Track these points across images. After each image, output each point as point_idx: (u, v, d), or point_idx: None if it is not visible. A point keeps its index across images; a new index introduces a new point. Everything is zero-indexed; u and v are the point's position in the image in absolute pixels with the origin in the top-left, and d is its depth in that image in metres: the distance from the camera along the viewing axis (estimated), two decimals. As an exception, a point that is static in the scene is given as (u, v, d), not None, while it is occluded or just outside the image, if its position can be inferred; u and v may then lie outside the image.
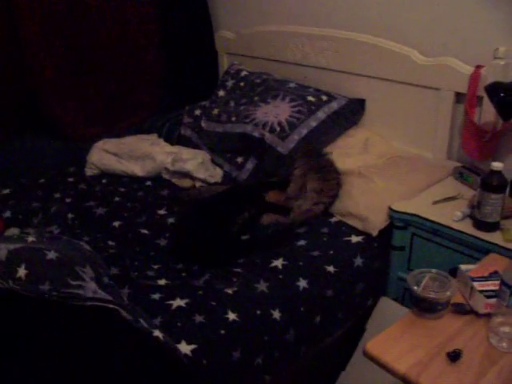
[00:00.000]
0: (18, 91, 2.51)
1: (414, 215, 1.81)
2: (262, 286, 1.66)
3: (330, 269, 1.77)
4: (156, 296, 1.62)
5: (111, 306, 1.38)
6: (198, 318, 1.51)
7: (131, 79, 2.86)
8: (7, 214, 2.13)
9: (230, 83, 2.69)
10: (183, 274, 1.76)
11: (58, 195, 2.32)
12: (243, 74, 2.69)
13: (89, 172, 2.52)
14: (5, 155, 2.52)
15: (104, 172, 2.52)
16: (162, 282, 1.70)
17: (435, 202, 1.87)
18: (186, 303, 1.57)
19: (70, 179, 2.49)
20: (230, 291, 1.63)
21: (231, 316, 1.54)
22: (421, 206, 1.86)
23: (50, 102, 2.62)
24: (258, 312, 1.58)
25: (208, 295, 1.61)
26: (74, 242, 1.63)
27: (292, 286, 1.68)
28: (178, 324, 1.49)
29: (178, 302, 1.58)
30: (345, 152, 2.27)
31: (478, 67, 1.96)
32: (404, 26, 2.20)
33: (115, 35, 2.71)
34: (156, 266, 1.81)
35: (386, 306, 1.97)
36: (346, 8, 2.38)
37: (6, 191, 2.32)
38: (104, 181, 2.47)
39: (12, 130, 2.58)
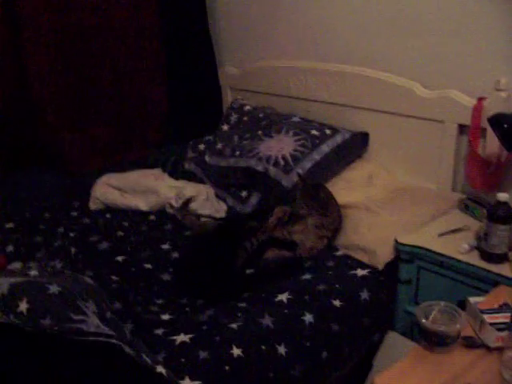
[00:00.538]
0: (23, 125, 2.54)
1: (420, 248, 1.79)
2: (267, 321, 1.63)
3: (336, 303, 1.74)
4: (159, 331, 1.59)
5: (114, 341, 1.35)
6: (202, 354, 1.48)
7: (135, 113, 2.89)
8: (10, 248, 2.11)
9: (233, 118, 2.72)
10: (187, 309, 1.74)
11: (61, 229, 2.31)
12: (247, 108, 2.71)
13: (93, 206, 2.52)
14: (9, 189, 2.53)
15: (108, 206, 2.51)
16: (166, 316, 1.67)
17: (441, 235, 1.85)
18: (190, 338, 1.54)
19: (74, 213, 2.48)
20: (234, 326, 1.60)
21: (236, 351, 1.50)
22: (427, 238, 1.84)
23: (54, 137, 2.65)
24: (263, 347, 1.54)
25: (212, 330, 1.58)
26: (76, 276, 1.61)
27: (298, 321, 1.65)
28: (182, 360, 1.46)
29: (182, 338, 1.54)
30: (349, 185, 2.27)
31: (481, 99, 1.97)
32: (406, 59, 2.22)
33: (120, 70, 2.75)
34: (160, 301, 1.79)
35: (394, 341, 1.92)
36: (348, 42, 2.41)
37: (10, 225, 2.31)
38: (108, 215, 2.46)
39: (17, 164, 2.60)
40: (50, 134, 2.63)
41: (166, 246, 2.16)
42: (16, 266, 1.96)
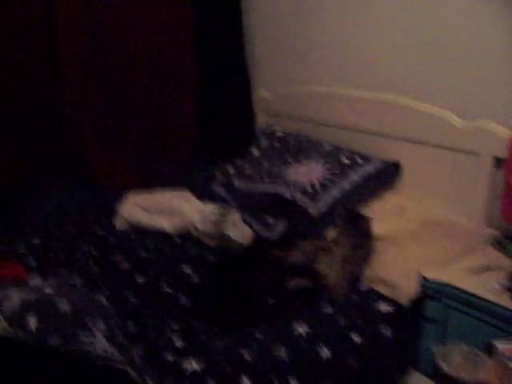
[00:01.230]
0: (55, 138, 2.57)
1: (447, 285, 1.71)
2: (283, 354, 1.57)
3: (356, 338, 1.67)
4: (171, 357, 1.55)
5: (120, 366, 1.32)
6: (212, 384, 1.43)
7: (167, 134, 2.89)
8: (33, 263, 2.12)
9: (264, 143, 2.69)
10: (202, 337, 1.69)
11: (85, 247, 2.31)
12: (278, 134, 2.68)
13: (118, 225, 2.51)
14: (38, 200, 2.56)
15: (133, 226, 2.51)
16: (179, 343, 1.64)
17: (471, 272, 1.76)
18: (201, 367, 1.50)
19: (98, 230, 2.49)
20: (247, 356, 1.55)
21: (246, 383, 1.45)
22: (455, 275, 1.75)
23: (86, 152, 2.66)
24: (276, 381, 1.48)
25: (224, 359, 1.53)
26: (90, 296, 1.59)
27: (314, 355, 1.59)
28: (191, 392, 1.41)
29: (193, 366, 1.50)
30: (378, 216, 2.19)
31: (518, 132, 1.89)
32: (441, 88, 2.16)
33: (151, 89, 2.76)
34: (175, 327, 1.75)
35: (417, 382, 1.83)
36: (384, 70, 2.36)
37: (36, 241, 2.33)
38: (132, 235, 2.45)
39: (47, 176, 2.62)
40: (82, 148, 2.64)
41: (187, 270, 2.13)
42: (36, 280, 1.95)
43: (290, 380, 1.50)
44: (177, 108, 2.86)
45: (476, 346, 1.66)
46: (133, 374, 1.32)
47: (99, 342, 1.36)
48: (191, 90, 2.88)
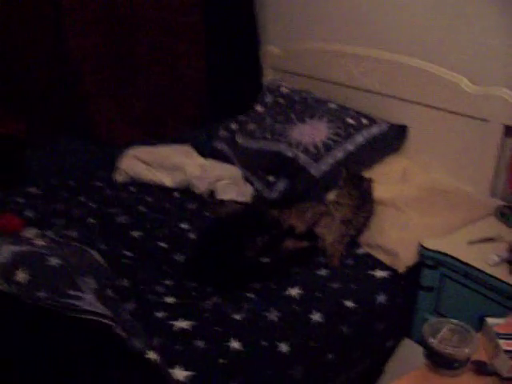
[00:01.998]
0: (58, 92, 2.51)
1: (446, 255, 1.67)
2: (272, 315, 1.55)
3: (349, 304, 1.65)
4: (160, 314, 1.54)
5: (106, 321, 1.30)
6: (199, 343, 1.42)
7: (172, 89, 2.82)
8: (30, 213, 2.10)
9: (269, 99, 2.62)
10: (193, 294, 1.68)
11: (83, 199, 2.29)
12: (283, 90, 2.61)
13: (118, 178, 2.49)
14: (39, 154, 2.52)
15: (133, 180, 2.48)
16: (170, 299, 1.62)
17: (471, 243, 1.73)
18: (190, 325, 1.49)
19: (98, 183, 2.46)
20: (237, 317, 1.54)
21: (234, 344, 1.44)
22: (455, 245, 1.72)
23: (90, 106, 2.61)
24: (264, 343, 1.47)
25: (214, 319, 1.52)
26: (83, 250, 1.58)
27: (305, 319, 1.57)
28: (177, 347, 1.41)
29: (182, 324, 1.49)
30: (381, 180, 2.14)
31: (531, 101, 1.81)
32: (455, 52, 2.06)
33: (158, 43, 2.68)
34: (167, 282, 1.74)
35: (409, 349, 1.82)
36: (396, 30, 2.26)
37: (33, 190, 2.31)
38: (132, 188, 2.43)
39: (50, 130, 2.58)
40: (84, 101, 2.59)
41: (184, 226, 2.11)
42: (32, 231, 1.94)
43: (279, 343, 1.49)
44: (184, 62, 2.78)
45: (470, 317, 1.65)
46: (118, 329, 1.30)
47: (87, 297, 1.35)
48: (199, 44, 2.79)
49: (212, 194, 2.34)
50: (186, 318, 1.52)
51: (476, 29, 1.98)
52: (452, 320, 1.18)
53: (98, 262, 1.57)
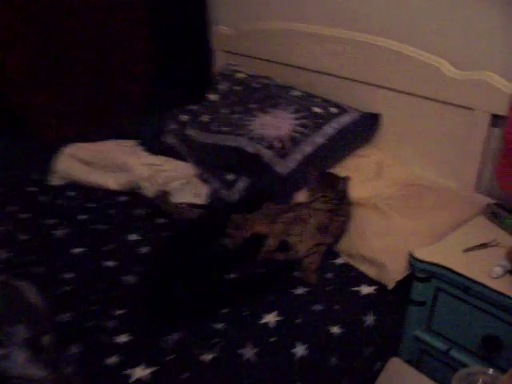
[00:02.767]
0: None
1: (441, 266, 1.46)
2: (249, 353, 1.30)
3: (335, 330, 1.42)
4: (113, 360, 1.26)
5: (43, 387, 1.02)
6: (163, 399, 1.16)
7: (113, 75, 2.49)
8: None
9: (224, 86, 2.34)
10: (152, 327, 1.40)
11: (12, 209, 1.96)
12: (240, 76, 2.33)
13: (54, 181, 2.16)
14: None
15: (72, 182, 2.15)
16: (124, 338, 1.34)
17: (466, 250, 1.52)
18: (150, 374, 1.22)
19: (31, 189, 2.13)
20: (207, 358, 1.28)
21: (207, 397, 1.18)
22: (449, 254, 1.51)
23: (16, 97, 2.25)
24: (242, 390, 1.22)
25: (179, 363, 1.26)
26: (8, 287, 1.27)
27: (287, 354, 1.33)
28: (136, 407, 1.14)
29: (140, 373, 1.22)
30: (354, 176, 1.91)
31: (524, 86, 1.62)
32: (435, 33, 1.84)
33: (97, 22, 2.34)
34: (118, 312, 1.45)
35: (397, 369, 1.62)
36: (367, 7, 2.01)
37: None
38: (70, 193, 2.11)
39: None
40: (8, 91, 2.23)
41: (133, 237, 1.82)
42: None
43: (259, 388, 1.24)
44: (124, 44, 2.45)
45: (470, 336, 1.46)
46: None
47: (16, 356, 1.06)
48: (142, 25, 2.47)
49: (165, 195, 2.04)
50: (144, 364, 1.24)
51: (459, 6, 1.76)
52: (487, 370, 0.95)
53: (28, 300, 1.26)
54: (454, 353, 1.51)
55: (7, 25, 2.14)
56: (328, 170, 1.86)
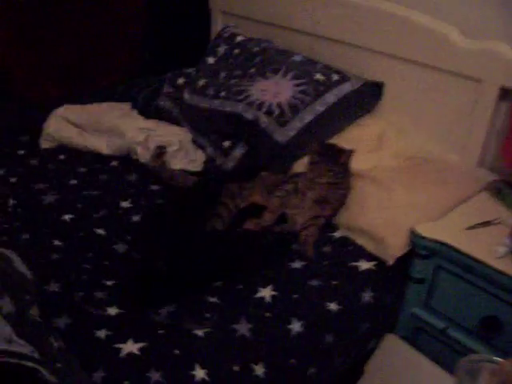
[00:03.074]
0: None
1: (443, 244, 1.42)
2: (243, 329, 1.26)
3: (332, 306, 1.38)
4: (102, 333, 1.22)
5: (29, 364, 0.97)
6: (155, 376, 1.12)
7: (105, 33, 2.40)
8: None
9: (221, 49, 2.24)
10: (143, 300, 1.36)
11: (1, 172, 1.89)
12: (239, 39, 2.24)
13: (44, 144, 2.08)
14: None
15: (62, 146, 2.08)
16: (113, 310, 1.30)
17: (469, 228, 1.48)
18: (141, 349, 1.18)
19: (21, 152, 2.05)
20: (200, 333, 1.24)
21: (199, 374, 1.14)
22: (451, 231, 1.46)
23: (3, 57, 2.16)
24: (236, 368, 1.18)
25: (171, 338, 1.22)
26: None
27: (282, 330, 1.29)
28: (126, 383, 1.10)
29: (130, 347, 1.18)
30: (354, 147, 1.85)
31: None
32: (443, -2, 1.76)
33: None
34: (108, 282, 1.41)
35: (392, 346, 1.58)
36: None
37: None
38: (61, 157, 2.04)
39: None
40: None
41: (126, 204, 1.77)
42: None
43: (254, 366, 1.20)
44: (118, 3, 2.34)
45: (470, 317, 1.43)
46: (45, 372, 0.98)
47: (2, 330, 1.01)
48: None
49: (161, 158, 1.97)
50: (134, 337, 1.20)
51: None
52: (493, 358, 0.91)
53: (16, 270, 1.21)
54: (452, 331, 1.48)
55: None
56: (329, 141, 1.79)
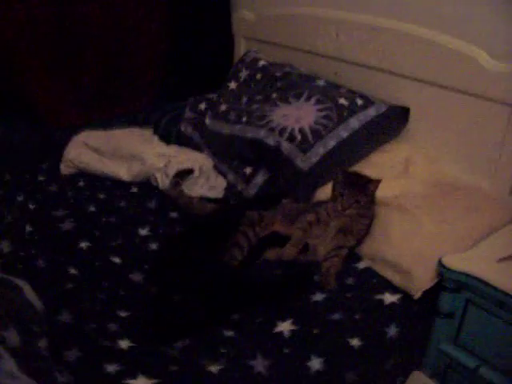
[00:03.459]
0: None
1: (473, 277, 1.34)
2: (260, 366, 1.20)
3: (355, 342, 1.30)
4: (112, 368, 1.17)
5: (31, 402, 0.93)
6: (166, 415, 1.07)
7: (129, 59, 2.41)
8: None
9: (244, 74, 2.22)
10: (156, 333, 1.31)
11: (21, 198, 1.88)
12: (261, 64, 2.21)
13: (64, 170, 2.07)
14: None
15: (82, 171, 2.07)
16: (125, 344, 1.25)
17: (501, 260, 1.39)
18: (151, 386, 1.13)
19: (41, 178, 2.05)
20: (214, 369, 1.18)
21: (213, 414, 1.09)
22: (482, 263, 1.38)
23: (28, 82, 2.17)
24: (251, 408, 1.12)
25: (184, 375, 1.16)
26: (6, 284, 1.18)
27: (301, 368, 1.22)
28: (135, 423, 1.05)
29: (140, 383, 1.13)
30: (379, 173, 1.78)
31: None
32: (472, 21, 1.70)
33: (111, 5, 2.24)
34: (122, 314, 1.36)
35: None
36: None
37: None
38: (81, 183, 2.02)
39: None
40: (20, 76, 2.16)
41: (144, 232, 1.74)
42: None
43: (270, 406, 1.14)
44: (142, 28, 2.36)
45: (505, 356, 1.33)
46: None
47: (5, 365, 0.97)
48: (161, 7, 2.37)
49: (179, 187, 1.94)
50: (146, 373, 1.15)
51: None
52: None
53: (26, 300, 1.18)
54: (484, 371, 1.39)
55: (20, 8, 2.06)
56: (353, 169, 1.73)
